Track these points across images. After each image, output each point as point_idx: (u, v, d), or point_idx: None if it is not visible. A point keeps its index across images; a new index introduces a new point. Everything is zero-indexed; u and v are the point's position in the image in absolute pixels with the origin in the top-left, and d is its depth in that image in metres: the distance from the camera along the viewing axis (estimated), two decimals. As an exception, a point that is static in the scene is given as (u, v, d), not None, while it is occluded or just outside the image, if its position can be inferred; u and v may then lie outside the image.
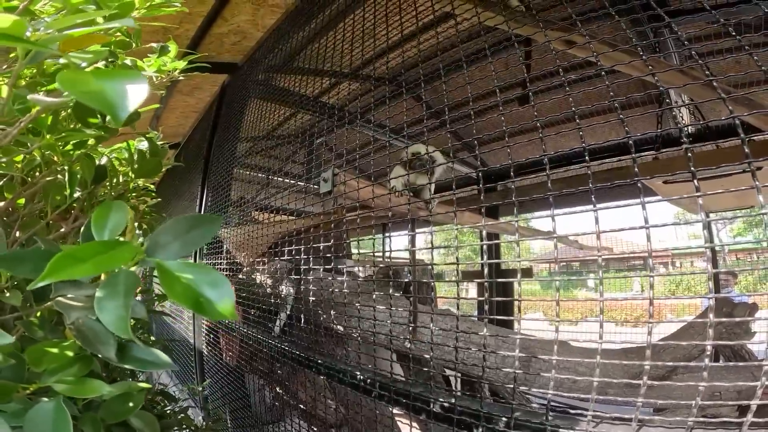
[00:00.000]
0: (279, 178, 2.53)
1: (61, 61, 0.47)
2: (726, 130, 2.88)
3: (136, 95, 0.32)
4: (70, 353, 0.53)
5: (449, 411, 1.00)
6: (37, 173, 0.61)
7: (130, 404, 0.63)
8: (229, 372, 2.60)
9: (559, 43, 1.42)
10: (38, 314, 0.62)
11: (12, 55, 0.52)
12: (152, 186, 0.97)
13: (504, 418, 0.90)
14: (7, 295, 0.54)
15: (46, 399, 0.51)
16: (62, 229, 0.64)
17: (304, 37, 2.21)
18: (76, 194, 0.65)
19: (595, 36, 1.18)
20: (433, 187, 1.95)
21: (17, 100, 0.45)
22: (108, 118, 0.39)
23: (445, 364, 1.68)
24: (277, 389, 2.27)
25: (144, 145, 0.87)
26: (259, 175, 2.75)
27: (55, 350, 0.53)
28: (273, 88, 2.43)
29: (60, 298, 0.45)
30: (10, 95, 0.42)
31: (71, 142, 0.58)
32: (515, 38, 1.08)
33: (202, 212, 3.04)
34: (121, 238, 0.44)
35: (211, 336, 2.81)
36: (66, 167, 0.58)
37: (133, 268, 0.40)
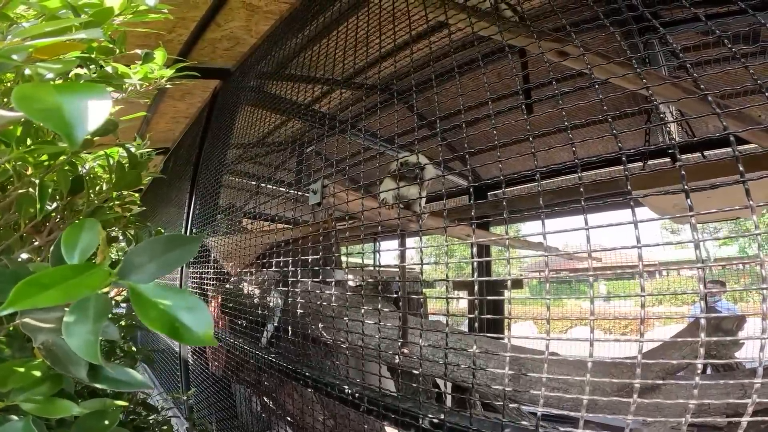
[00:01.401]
0: (269, 186, 2.50)
1: (27, 72, 0.45)
2: (713, 141, 2.91)
3: (97, 114, 0.29)
4: (38, 373, 0.50)
5: (438, 427, 0.98)
6: (14, 183, 0.59)
7: (105, 422, 0.60)
8: (216, 381, 2.55)
9: (553, 54, 1.42)
10: (11, 328, 0.59)
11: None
12: (136, 195, 0.94)
13: (494, 435, 0.88)
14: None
15: (15, 417, 0.49)
16: (36, 243, 0.62)
17: (297, 44, 2.20)
18: (53, 205, 0.63)
19: (588, 48, 1.18)
20: (423, 201, 1.93)
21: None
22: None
23: (435, 375, 1.66)
24: (265, 400, 2.23)
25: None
26: (249, 182, 2.71)
27: (21, 369, 0.50)
28: (265, 95, 2.41)
29: (27, 320, 0.42)
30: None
31: (45, 153, 0.55)
32: (509, 49, 1.08)
33: (190, 220, 2.99)
34: (98, 247, 0.42)
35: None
36: (37, 180, 0.55)
37: (105, 290, 0.37)
